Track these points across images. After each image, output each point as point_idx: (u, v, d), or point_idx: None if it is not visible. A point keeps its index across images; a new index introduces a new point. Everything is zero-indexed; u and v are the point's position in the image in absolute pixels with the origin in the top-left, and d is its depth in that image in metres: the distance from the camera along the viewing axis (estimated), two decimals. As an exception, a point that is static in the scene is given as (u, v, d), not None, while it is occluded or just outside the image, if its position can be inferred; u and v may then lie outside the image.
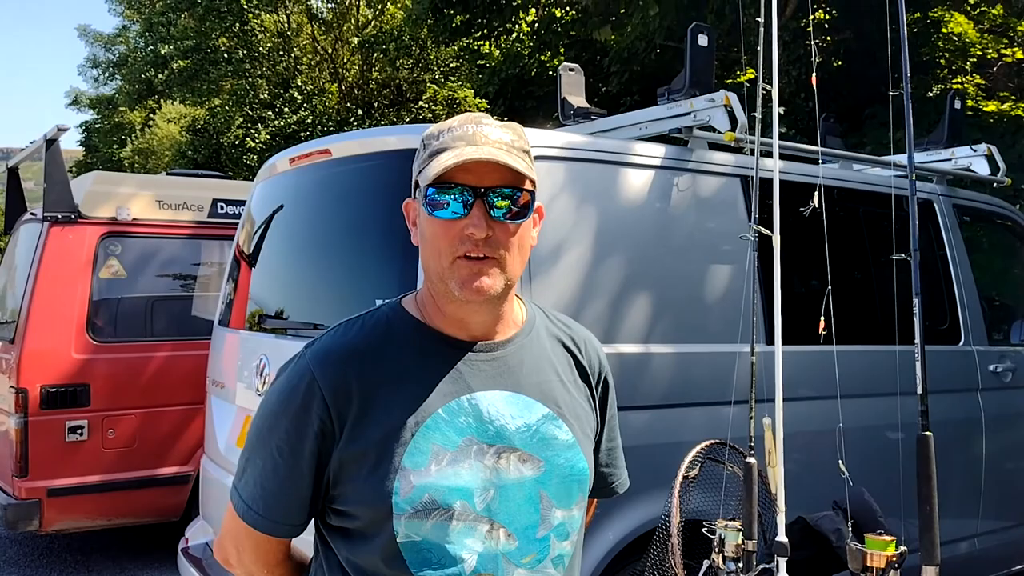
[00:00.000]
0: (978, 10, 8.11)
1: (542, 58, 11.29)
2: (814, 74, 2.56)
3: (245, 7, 17.87)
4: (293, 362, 1.36)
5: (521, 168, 1.28)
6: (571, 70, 4.07)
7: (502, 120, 1.39)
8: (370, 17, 19.21)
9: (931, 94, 7.78)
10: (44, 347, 4.78)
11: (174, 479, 5.06)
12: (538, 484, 1.33)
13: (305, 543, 1.46)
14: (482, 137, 1.29)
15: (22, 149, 5.82)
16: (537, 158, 2.84)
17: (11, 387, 4.75)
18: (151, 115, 24.45)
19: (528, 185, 1.31)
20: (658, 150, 3.21)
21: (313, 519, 1.39)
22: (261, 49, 18.82)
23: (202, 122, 18.34)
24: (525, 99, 11.29)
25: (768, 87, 2.59)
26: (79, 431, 4.80)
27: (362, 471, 1.28)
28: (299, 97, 17.40)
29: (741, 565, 2.41)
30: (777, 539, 2.42)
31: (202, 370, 4.03)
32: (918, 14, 8.00)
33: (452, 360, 1.34)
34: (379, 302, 1.45)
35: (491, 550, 1.29)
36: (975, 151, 4.36)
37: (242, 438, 3.38)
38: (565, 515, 1.36)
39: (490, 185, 1.27)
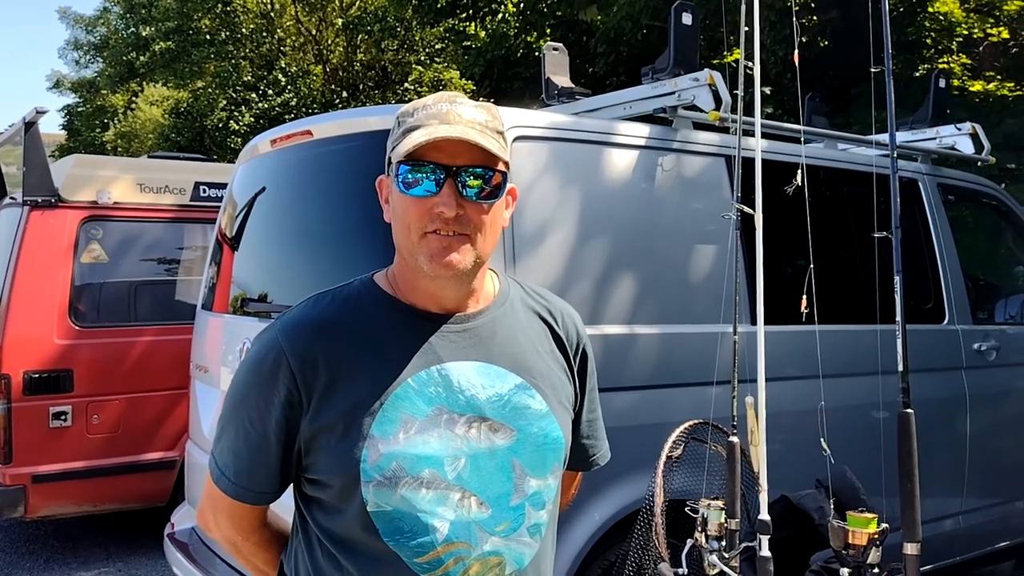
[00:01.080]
0: (964, -11, 8.10)
1: (528, 39, 11.21)
2: (796, 51, 2.54)
3: (228, -12, 17.71)
4: (264, 334, 1.37)
5: (493, 149, 1.28)
6: (555, 50, 4.04)
7: (487, 101, 1.38)
8: (354, -2, 19.04)
9: (917, 74, 7.77)
10: (26, 333, 4.75)
11: (160, 464, 5.04)
12: (511, 453, 1.34)
13: (287, 509, 1.46)
14: (456, 116, 1.29)
15: (1, 133, 5.75)
16: (521, 138, 2.85)
17: (-7, 373, 4.71)
18: (133, 98, 24.22)
19: (501, 166, 1.31)
20: (642, 130, 3.19)
21: (293, 494, 1.41)
22: (244, 31, 18.64)
23: (185, 105, 18.21)
24: (511, 80, 11.22)
25: (750, 65, 2.57)
26: (63, 417, 4.77)
27: (331, 440, 1.29)
28: (283, 79, 17.28)
29: (724, 544, 2.42)
30: (760, 517, 2.42)
31: (186, 355, 4.00)
32: (904, -7, 7.98)
33: (422, 332, 1.35)
34: None
35: (463, 518, 1.30)
36: (959, 130, 4.37)
37: (226, 422, 3.36)
38: (540, 484, 1.37)
39: (462, 164, 1.28)
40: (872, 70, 2.60)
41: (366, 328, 1.34)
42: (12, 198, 5.36)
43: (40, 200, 4.88)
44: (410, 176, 1.28)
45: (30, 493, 4.69)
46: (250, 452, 1.35)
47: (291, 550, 1.42)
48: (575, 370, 1.49)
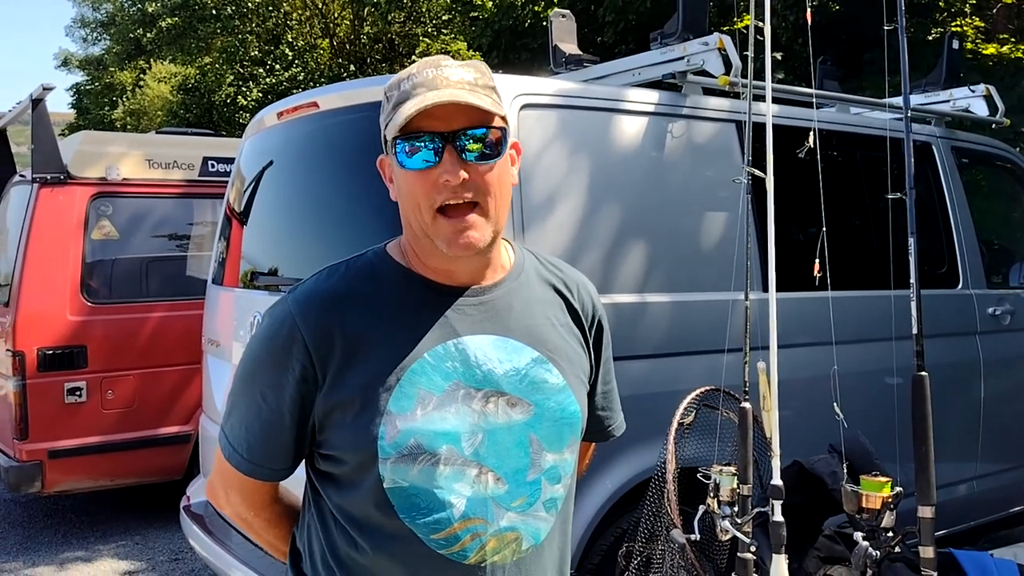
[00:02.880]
0: (978, -50, 7.96)
1: (536, 8, 11.08)
2: (808, 10, 2.50)
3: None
4: (276, 307, 1.34)
5: (487, 105, 1.24)
6: (563, 16, 3.99)
7: (496, 71, 1.35)
8: (360, -30, 18.86)
9: (930, 37, 7.66)
10: (39, 310, 4.78)
11: (175, 438, 5.08)
12: (528, 428, 1.32)
13: (299, 482, 1.45)
14: (443, 80, 1.25)
15: (9, 111, 5.75)
16: (529, 106, 2.83)
17: (8, 350, 4.75)
18: (141, 75, 24.18)
19: (497, 122, 1.28)
20: (652, 96, 3.16)
21: (305, 468, 1.39)
22: (250, 5, 18.51)
23: (193, 81, 18.21)
24: (519, 51, 11.10)
25: (761, 24, 2.53)
26: (78, 393, 4.81)
27: (347, 416, 1.27)
28: (290, 54, 17.22)
29: (737, 509, 2.42)
30: (772, 483, 2.42)
31: (198, 329, 4.02)
32: (917, -45, 7.85)
33: (438, 305, 1.32)
34: None
35: (480, 494, 1.28)
36: (973, 92, 4.31)
37: (238, 395, 3.38)
38: (557, 458, 1.35)
39: (458, 128, 1.24)
40: (885, 27, 2.56)
41: (381, 301, 1.32)
42: (22, 176, 5.37)
43: (49, 177, 4.89)
44: (408, 150, 1.24)
45: (47, 468, 4.75)
46: (263, 428, 1.32)
47: (303, 524, 1.41)
48: (591, 342, 1.47)
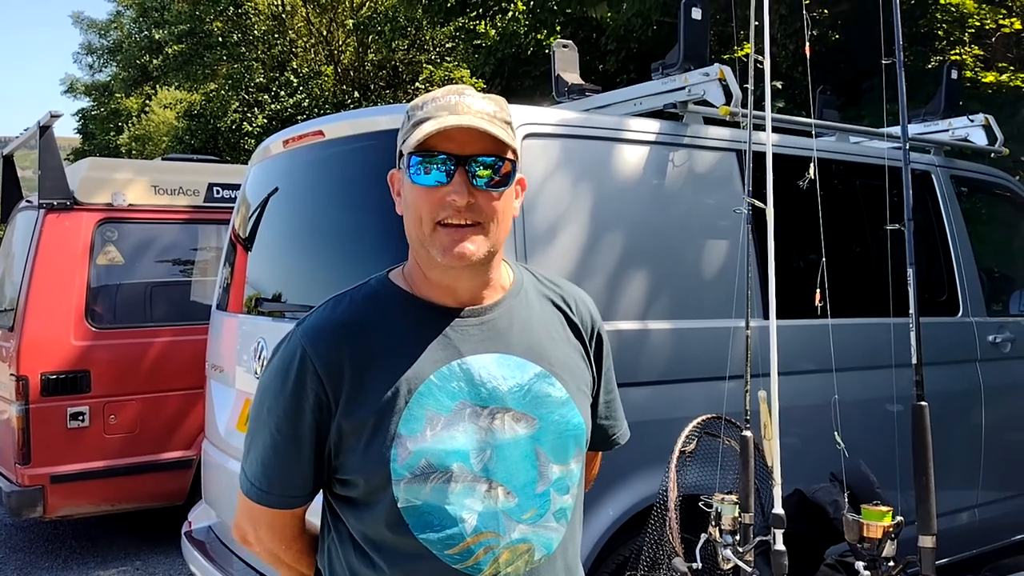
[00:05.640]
0: (976, -20, 8.02)
1: (538, 37, 11.19)
2: (807, 44, 2.54)
3: (239, -10, 17.78)
4: (285, 341, 1.38)
5: (503, 136, 1.30)
6: (564, 47, 4.04)
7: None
8: (365, -2, 19.05)
9: (929, 66, 7.72)
10: (43, 334, 4.79)
11: (177, 464, 5.08)
12: (533, 441, 1.36)
13: (315, 512, 1.47)
14: (465, 107, 1.31)
15: (16, 137, 5.80)
16: (531, 135, 2.86)
17: (11, 375, 4.76)
18: (147, 101, 24.35)
19: (510, 155, 1.33)
20: (653, 125, 3.19)
21: (323, 493, 1.42)
22: (256, 32, 18.71)
23: (198, 107, 18.31)
24: (522, 78, 11.21)
25: (760, 58, 2.57)
26: (80, 417, 4.82)
27: (360, 441, 1.31)
28: (295, 80, 17.34)
29: (738, 538, 2.42)
30: (774, 511, 2.42)
31: (201, 355, 4.03)
32: (916, -16, 7.92)
33: (441, 327, 1.36)
34: None
35: (491, 508, 1.32)
36: (972, 121, 4.35)
37: (242, 421, 3.39)
38: (563, 470, 1.39)
39: (472, 153, 1.29)
40: (883, 61, 2.59)
41: (386, 327, 1.36)
42: (28, 201, 5.41)
43: (56, 203, 4.92)
44: (421, 166, 1.30)
45: (48, 493, 4.74)
46: (281, 460, 1.35)
47: (323, 548, 1.44)
48: (591, 354, 1.51)
